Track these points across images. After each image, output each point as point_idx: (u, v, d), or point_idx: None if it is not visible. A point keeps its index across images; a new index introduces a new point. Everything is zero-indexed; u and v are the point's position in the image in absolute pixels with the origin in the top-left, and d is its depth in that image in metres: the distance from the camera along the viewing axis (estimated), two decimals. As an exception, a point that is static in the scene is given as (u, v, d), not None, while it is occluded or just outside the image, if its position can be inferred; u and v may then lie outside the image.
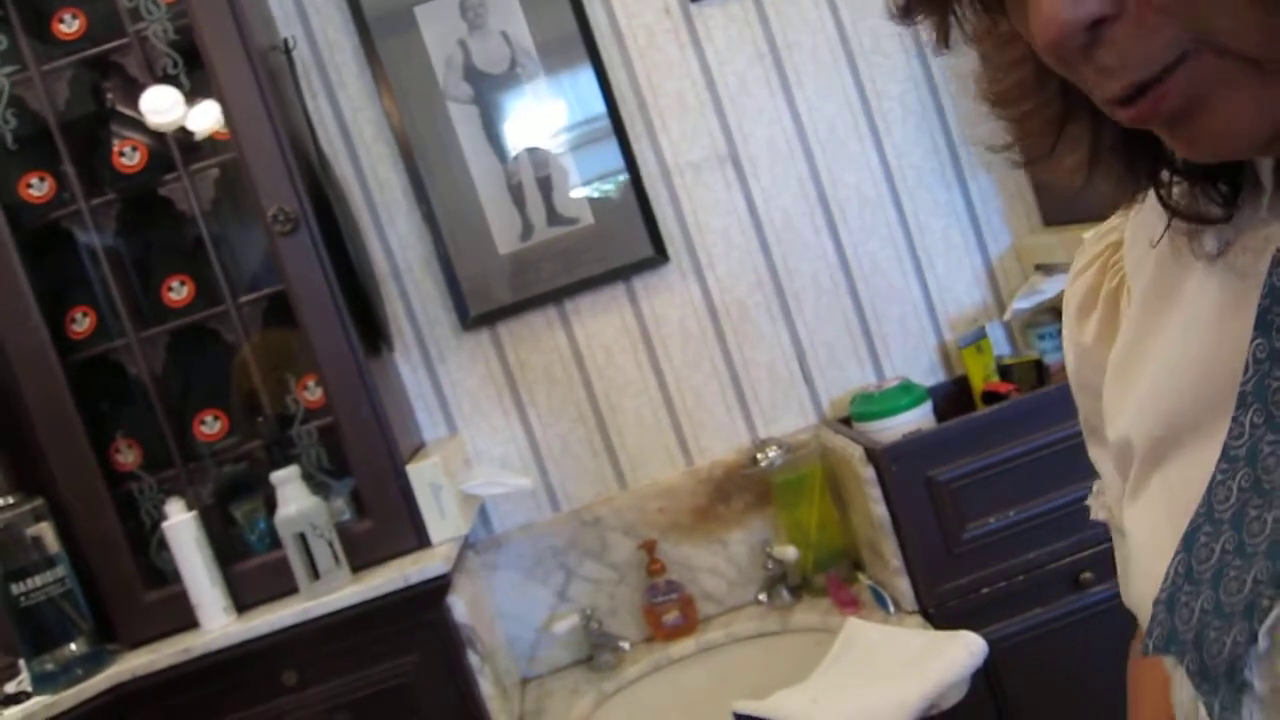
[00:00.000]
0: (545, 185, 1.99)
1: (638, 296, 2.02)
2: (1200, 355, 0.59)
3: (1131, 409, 0.64)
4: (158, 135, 1.75)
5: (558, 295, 2.00)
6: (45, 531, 1.69)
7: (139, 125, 1.78)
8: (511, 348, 2.01)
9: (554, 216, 1.99)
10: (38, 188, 1.73)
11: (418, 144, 1.97)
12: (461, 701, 1.70)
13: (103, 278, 1.74)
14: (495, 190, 1.98)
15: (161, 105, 1.75)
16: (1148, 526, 0.62)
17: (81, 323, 1.76)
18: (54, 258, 1.76)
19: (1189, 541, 0.56)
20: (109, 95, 1.84)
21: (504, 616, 2.01)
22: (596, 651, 1.96)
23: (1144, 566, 0.61)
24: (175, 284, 1.77)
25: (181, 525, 1.68)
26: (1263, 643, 0.51)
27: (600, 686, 1.90)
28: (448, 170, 1.98)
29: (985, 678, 1.61)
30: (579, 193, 1.99)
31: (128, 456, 1.78)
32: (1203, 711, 0.55)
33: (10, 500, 1.68)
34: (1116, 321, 0.66)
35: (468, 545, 1.99)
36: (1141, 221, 0.65)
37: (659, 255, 2.00)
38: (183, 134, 1.78)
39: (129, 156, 1.75)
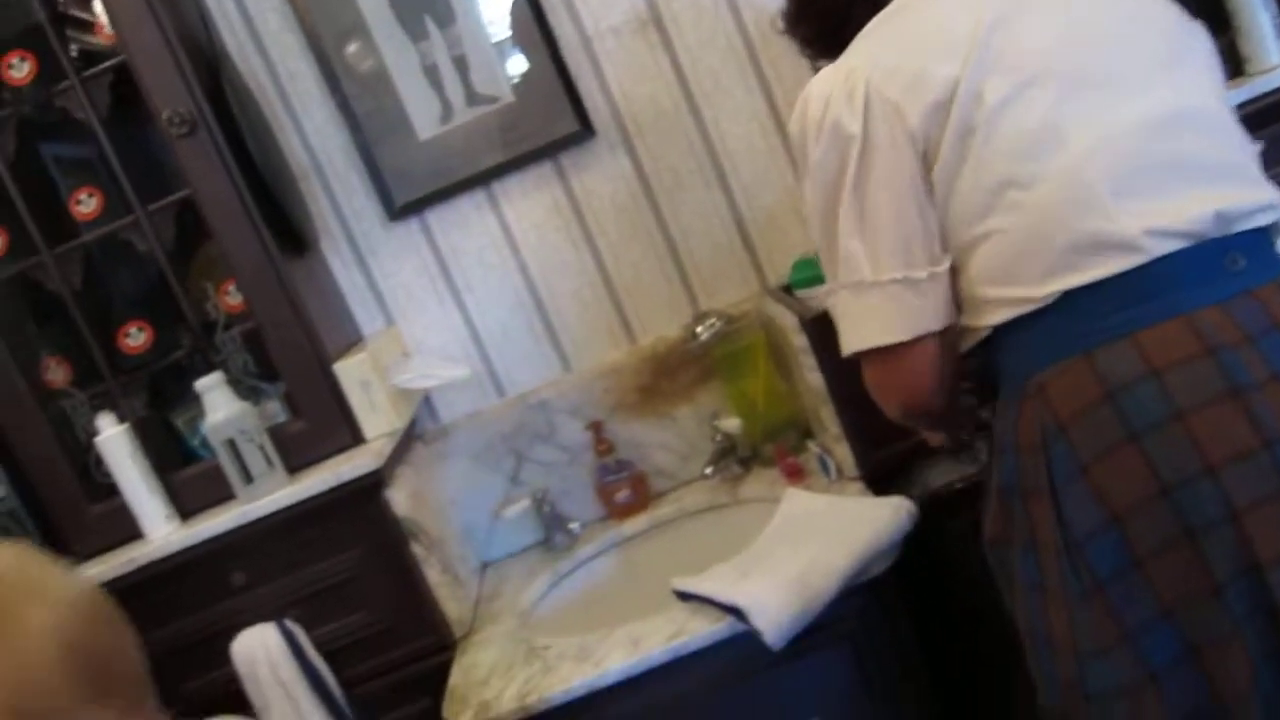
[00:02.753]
0: (461, 64, 1.91)
1: (566, 173, 1.95)
2: None
3: None
4: (46, 48, 1.69)
5: (484, 178, 1.94)
6: (-19, 454, 1.71)
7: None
8: (442, 235, 1.97)
9: (473, 96, 1.92)
10: (-70, 108, 1.69)
11: (325, 31, 1.89)
12: (407, 591, 1.73)
13: (8, 196, 1.70)
14: (410, 73, 1.91)
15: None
16: None
17: (-6, 242, 1.73)
18: (-45, 179, 1.73)
19: None
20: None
21: (458, 505, 2.02)
22: (550, 533, 1.98)
23: None
24: (83, 196, 1.73)
25: (114, 438, 1.69)
26: None
27: (555, 567, 1.92)
28: (359, 56, 1.90)
29: (919, 538, 1.60)
30: (496, 70, 1.91)
31: (57, 374, 1.78)
32: None
33: (-57, 425, 1.70)
34: None
35: (415, 437, 1.99)
36: None
37: (585, 129, 1.92)
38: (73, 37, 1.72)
39: (17, 68, 1.69)
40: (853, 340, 1.15)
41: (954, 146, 1.04)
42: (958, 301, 1.12)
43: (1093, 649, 0.97)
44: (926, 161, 1.06)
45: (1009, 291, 1.04)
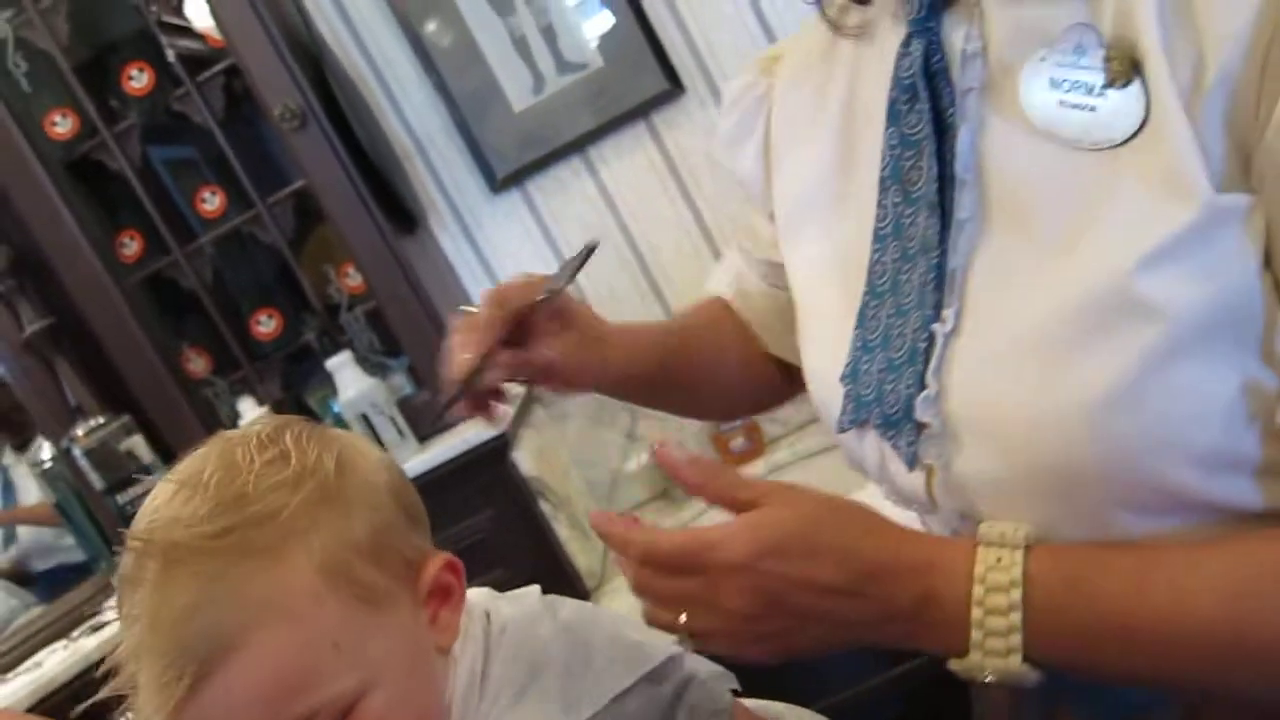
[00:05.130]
0: (549, 34, 1.95)
1: (659, 132, 1.99)
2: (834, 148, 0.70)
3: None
4: (160, 56, 1.78)
5: (580, 144, 1.98)
6: (137, 444, 1.83)
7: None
8: (543, 203, 2.02)
9: (563, 65, 1.96)
10: (61, 124, 1.80)
11: (416, 14, 1.95)
12: (540, 547, 1.80)
13: (138, 201, 1.80)
14: (500, 47, 1.96)
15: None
16: (820, 311, 0.73)
17: (130, 246, 1.84)
18: (89, 189, 1.84)
19: (861, 318, 0.66)
20: (153, 7, 1.83)
21: (580, 463, 2.09)
22: (670, 484, 2.03)
23: (823, 344, 0.71)
24: (207, 195, 1.83)
25: (255, 421, 1.79)
26: (931, 386, 0.60)
27: (677, 516, 1.98)
28: (450, 35, 1.96)
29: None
30: (582, 36, 1.95)
31: (198, 364, 1.89)
32: (890, 457, 0.64)
33: (101, 420, 1.82)
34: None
35: (534, 400, 2.06)
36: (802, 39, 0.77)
37: (674, 86, 1.95)
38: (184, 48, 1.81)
39: (137, 79, 1.79)
40: None
41: None
42: None
43: None
44: None
45: None
